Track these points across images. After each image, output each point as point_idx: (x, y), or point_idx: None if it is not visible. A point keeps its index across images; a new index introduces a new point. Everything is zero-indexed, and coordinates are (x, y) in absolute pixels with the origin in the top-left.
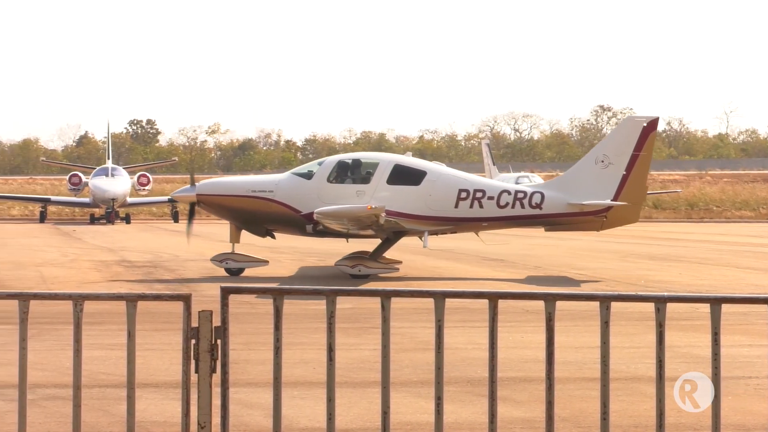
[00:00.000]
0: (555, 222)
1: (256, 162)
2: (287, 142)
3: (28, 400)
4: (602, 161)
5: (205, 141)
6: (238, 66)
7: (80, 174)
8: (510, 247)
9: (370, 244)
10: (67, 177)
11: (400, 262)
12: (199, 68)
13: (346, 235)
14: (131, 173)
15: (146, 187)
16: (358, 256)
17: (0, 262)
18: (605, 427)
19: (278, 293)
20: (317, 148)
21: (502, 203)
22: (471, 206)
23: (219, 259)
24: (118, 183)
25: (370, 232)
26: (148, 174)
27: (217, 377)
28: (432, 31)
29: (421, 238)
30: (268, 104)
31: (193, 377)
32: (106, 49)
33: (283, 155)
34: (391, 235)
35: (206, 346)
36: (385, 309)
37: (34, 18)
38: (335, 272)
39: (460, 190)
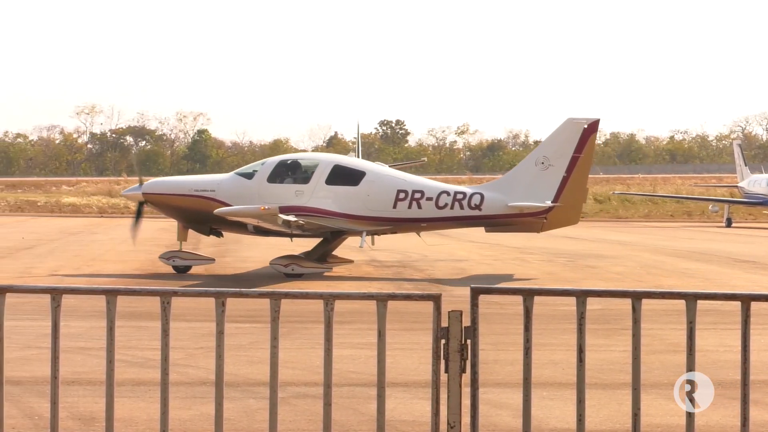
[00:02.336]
0: (494, 223)
1: (505, 163)
2: (536, 142)
3: (278, 398)
4: (542, 163)
5: (454, 141)
6: (486, 66)
7: None
8: (761, 248)
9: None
10: None
11: (351, 261)
12: (449, 69)
13: (289, 235)
14: None
15: None
16: (291, 256)
17: (252, 261)
18: None
19: (528, 294)
20: None
21: (440, 204)
22: (409, 207)
23: (166, 257)
24: None
25: (298, 231)
26: None
27: (466, 377)
28: (684, 32)
29: (364, 237)
30: (516, 104)
31: (443, 377)
32: (355, 50)
33: None
34: (328, 235)
35: (456, 346)
36: (635, 311)
37: (287, 20)
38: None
39: (399, 191)
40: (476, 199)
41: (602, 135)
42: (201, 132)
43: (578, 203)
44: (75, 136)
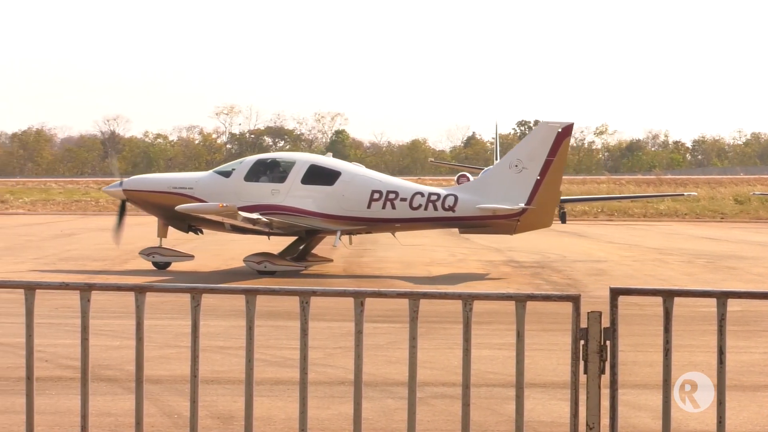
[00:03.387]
0: (468, 224)
1: (644, 163)
2: (675, 143)
3: (417, 398)
4: (516, 165)
5: (593, 142)
6: (625, 66)
7: (468, 174)
8: None
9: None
10: (455, 177)
11: (330, 260)
12: (588, 68)
13: (267, 233)
14: None
15: None
16: (264, 253)
17: (391, 261)
18: None
19: (668, 295)
20: (706, 149)
21: (414, 205)
22: (383, 207)
23: (146, 253)
24: None
25: (277, 230)
26: None
27: (605, 378)
28: None
29: (340, 237)
30: (655, 104)
31: (582, 378)
32: (494, 50)
33: (671, 156)
34: (303, 234)
35: (595, 347)
36: None
37: (426, 20)
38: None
39: (373, 191)
40: (450, 201)
41: (742, 135)
42: (339, 132)
43: (551, 206)
44: (214, 136)
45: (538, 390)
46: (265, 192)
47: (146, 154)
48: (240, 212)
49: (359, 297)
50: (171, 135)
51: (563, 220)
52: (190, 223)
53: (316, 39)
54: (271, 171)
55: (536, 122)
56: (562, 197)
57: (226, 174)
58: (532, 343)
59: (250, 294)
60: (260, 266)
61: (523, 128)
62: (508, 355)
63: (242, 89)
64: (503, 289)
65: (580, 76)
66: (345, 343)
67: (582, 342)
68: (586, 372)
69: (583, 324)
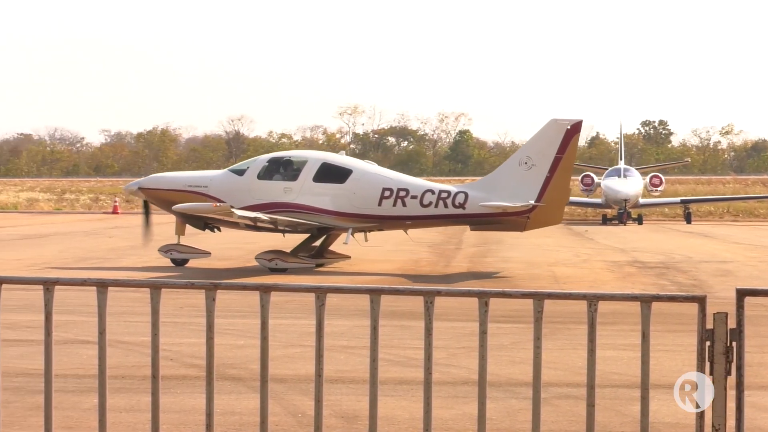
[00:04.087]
0: (478, 221)
1: None
2: None
3: (541, 398)
4: (525, 163)
5: (718, 142)
6: (752, 66)
7: (592, 175)
8: None
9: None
10: (580, 177)
11: (348, 257)
12: (714, 68)
13: (282, 231)
14: (643, 174)
15: (658, 188)
16: (275, 251)
17: (514, 262)
18: None
19: None
20: None
21: (425, 202)
22: (394, 204)
23: (165, 250)
24: (630, 184)
25: (270, 226)
26: (660, 175)
27: (731, 380)
28: None
29: (353, 235)
30: None
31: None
32: (620, 50)
33: None
34: (314, 232)
35: (721, 349)
36: None
37: (545, 20)
38: None
39: (384, 189)
40: (460, 198)
41: None
42: (462, 132)
43: (561, 203)
44: (338, 136)
45: (663, 391)
46: (278, 190)
47: None
48: (235, 211)
49: (483, 297)
50: (295, 135)
51: (688, 221)
52: (206, 221)
53: (441, 38)
54: (284, 169)
55: (660, 122)
56: (687, 197)
57: (240, 172)
58: (657, 344)
59: (375, 294)
60: (271, 263)
61: (647, 128)
62: (632, 355)
63: (366, 89)
64: (628, 289)
65: (705, 75)
66: (468, 343)
67: (708, 343)
68: (711, 373)
69: (709, 325)
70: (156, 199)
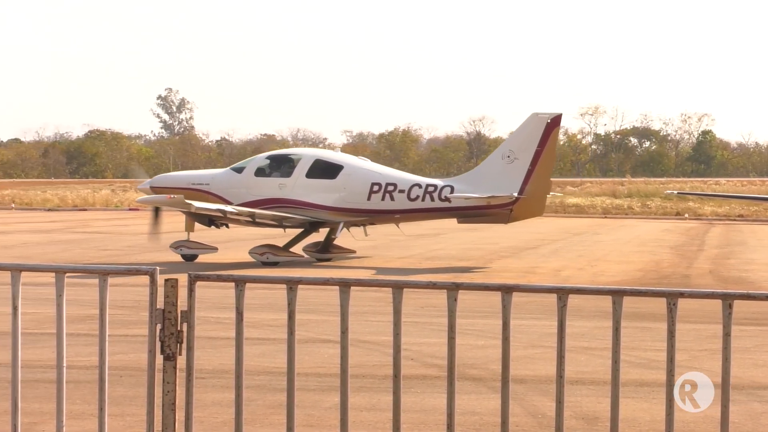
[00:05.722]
0: (463, 214)
1: None
2: None
3: None
4: (508, 156)
5: None
6: None
7: None
8: None
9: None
10: None
11: (354, 251)
12: None
13: (282, 226)
14: None
15: None
16: (267, 245)
17: (757, 263)
18: None
19: None
20: None
21: (412, 196)
22: (383, 199)
23: (175, 246)
24: None
25: (288, 223)
26: None
27: None
28: None
29: (348, 229)
30: None
31: None
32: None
33: None
34: (307, 226)
35: None
36: None
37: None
38: None
39: (373, 184)
40: (447, 192)
41: None
42: (705, 133)
43: (543, 195)
44: (579, 137)
45: None
46: (273, 186)
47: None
48: (193, 203)
49: (727, 299)
50: None
51: None
52: (210, 219)
53: (685, 37)
54: (280, 166)
55: None
56: None
57: (240, 170)
58: None
59: (617, 295)
60: (263, 257)
61: None
62: None
63: (608, 89)
64: None
65: None
66: (711, 345)
67: None
68: None
69: None
70: None
